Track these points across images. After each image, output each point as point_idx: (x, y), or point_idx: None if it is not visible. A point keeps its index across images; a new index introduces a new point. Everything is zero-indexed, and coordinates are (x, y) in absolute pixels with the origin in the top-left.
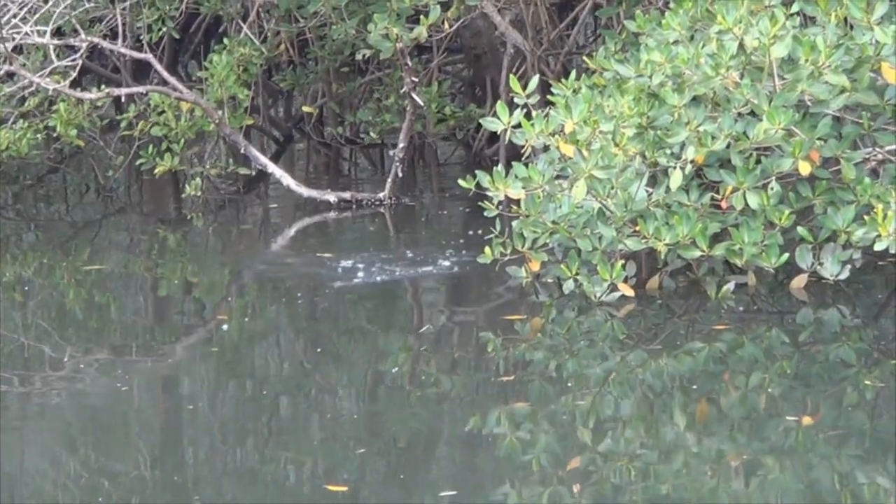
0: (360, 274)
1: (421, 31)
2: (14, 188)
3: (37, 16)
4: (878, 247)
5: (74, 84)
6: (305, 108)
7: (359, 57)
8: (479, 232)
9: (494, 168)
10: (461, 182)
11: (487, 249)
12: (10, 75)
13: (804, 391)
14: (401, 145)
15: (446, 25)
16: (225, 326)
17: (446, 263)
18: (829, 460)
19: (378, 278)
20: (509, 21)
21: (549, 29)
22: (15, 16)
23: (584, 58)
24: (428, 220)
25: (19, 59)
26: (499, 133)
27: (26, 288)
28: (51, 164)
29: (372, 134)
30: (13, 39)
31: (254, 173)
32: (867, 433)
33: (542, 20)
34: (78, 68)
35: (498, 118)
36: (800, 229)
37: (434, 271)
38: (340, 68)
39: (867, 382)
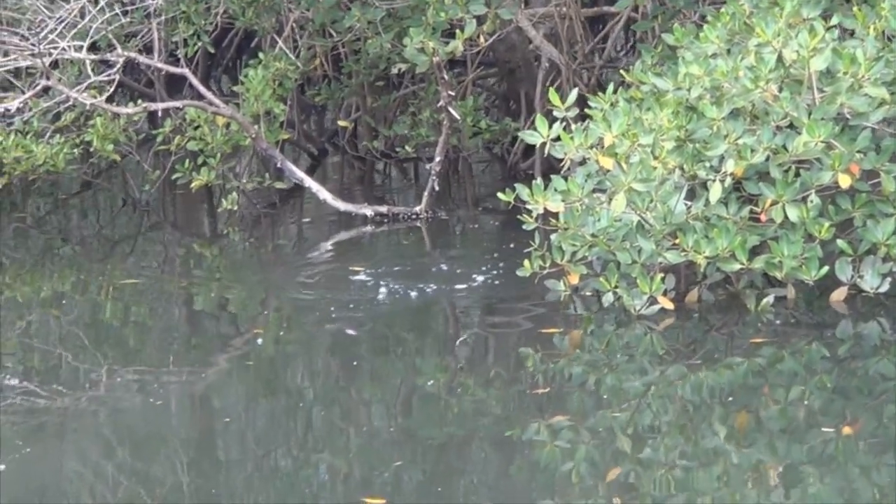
0: (398, 287)
1: (457, 45)
2: (48, 202)
3: (74, 31)
4: None
5: (108, 99)
6: (341, 122)
7: (394, 71)
8: (513, 246)
9: (533, 181)
10: (500, 195)
11: (527, 262)
12: (46, 90)
13: (844, 404)
14: (437, 159)
15: (481, 39)
16: (259, 341)
17: (483, 277)
18: (868, 472)
19: (415, 292)
20: (543, 35)
21: (584, 43)
22: (52, 31)
23: (622, 71)
24: (464, 234)
25: (56, 73)
26: (537, 146)
27: (63, 301)
28: (86, 179)
29: (407, 148)
30: (50, 55)
31: (288, 188)
32: None
33: (577, 34)
34: (114, 83)
35: (537, 131)
36: (839, 242)
37: (471, 285)
38: (375, 82)
39: None
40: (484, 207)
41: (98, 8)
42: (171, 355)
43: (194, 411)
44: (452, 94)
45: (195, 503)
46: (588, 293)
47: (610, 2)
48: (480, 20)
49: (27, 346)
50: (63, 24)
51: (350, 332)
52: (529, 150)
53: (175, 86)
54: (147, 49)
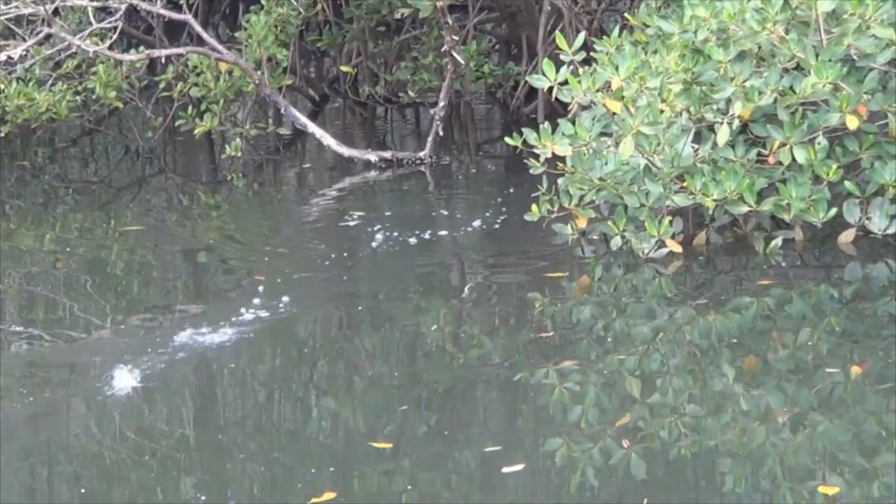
0: (404, 232)
1: None
2: (48, 150)
3: None
4: None
5: (110, 46)
6: (343, 68)
7: (396, 16)
8: (513, 191)
9: (541, 125)
10: (507, 140)
11: (534, 207)
12: (48, 37)
13: (851, 346)
14: (441, 104)
15: None
16: (261, 288)
17: (488, 222)
18: (876, 414)
19: (423, 236)
20: None
21: None
22: None
23: (626, 14)
24: (467, 179)
25: (57, 21)
26: (541, 91)
27: (67, 248)
28: (86, 127)
29: (410, 93)
30: (52, 1)
31: (290, 134)
32: None
33: None
34: (118, 30)
35: (543, 75)
36: (847, 184)
37: (477, 229)
38: (376, 27)
39: None
40: (485, 153)
41: None
42: (173, 302)
43: (197, 357)
44: (457, 38)
45: (199, 452)
46: (595, 237)
47: None
48: None
49: (31, 293)
50: None
51: (357, 277)
52: (531, 94)
53: (174, 32)
54: None
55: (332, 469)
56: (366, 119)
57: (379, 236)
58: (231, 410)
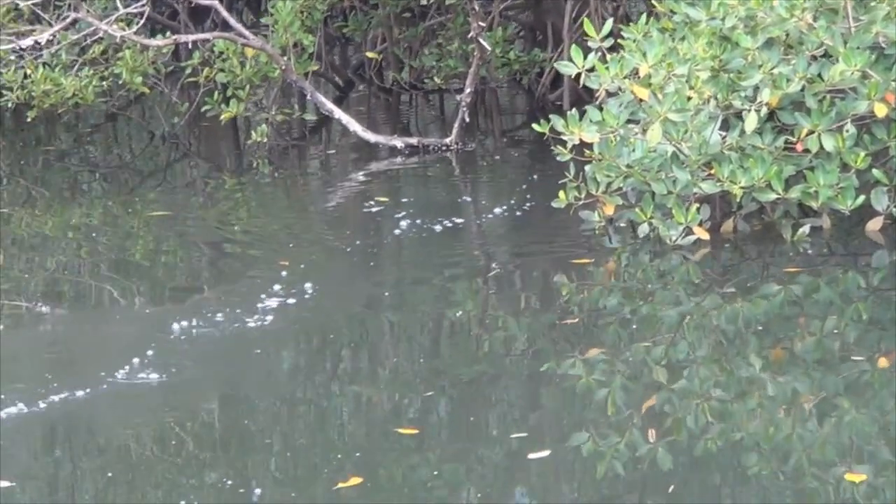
0: (429, 218)
1: None
2: (73, 135)
3: None
4: None
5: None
6: (369, 54)
7: (422, 2)
8: (537, 178)
9: (568, 112)
10: (535, 126)
11: (561, 193)
12: (74, 22)
13: (879, 334)
14: (467, 90)
15: None
16: (284, 273)
17: (514, 208)
18: (883, 411)
19: (448, 222)
20: None
21: None
22: None
23: (653, 1)
24: (492, 166)
25: (84, 5)
26: (566, 77)
27: (94, 234)
28: (113, 112)
29: (435, 79)
30: None
31: (316, 120)
32: None
33: None
34: (145, 15)
35: (571, 62)
36: (875, 171)
37: (502, 215)
38: (402, 13)
39: None
40: (511, 139)
41: None
42: (196, 287)
43: (220, 342)
44: (483, 24)
45: (227, 434)
46: (623, 224)
47: None
48: None
49: (56, 277)
50: None
51: (385, 261)
52: (557, 81)
53: (199, 17)
54: None
55: (357, 454)
56: (391, 105)
57: (404, 223)
58: (257, 396)
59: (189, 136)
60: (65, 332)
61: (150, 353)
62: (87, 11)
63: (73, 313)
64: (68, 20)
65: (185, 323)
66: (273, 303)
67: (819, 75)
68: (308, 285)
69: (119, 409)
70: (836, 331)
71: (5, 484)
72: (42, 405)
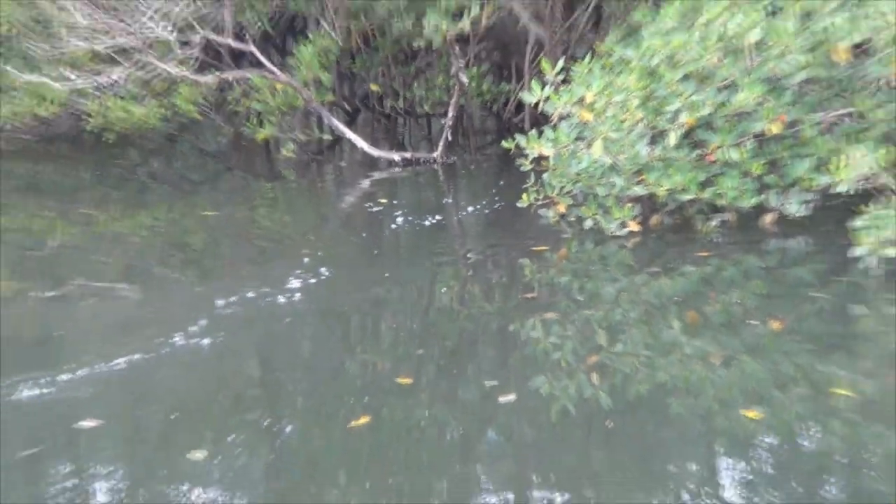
0: (418, 214)
1: (465, 25)
2: (140, 153)
3: (162, 15)
4: (839, 189)
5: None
6: (372, 87)
7: (415, 46)
8: (504, 183)
9: (528, 132)
10: (504, 143)
11: (524, 196)
12: (141, 65)
13: (771, 303)
14: (450, 115)
15: (483, 21)
16: (306, 259)
17: (487, 207)
18: (791, 355)
19: (434, 219)
20: (530, 17)
21: (561, 23)
22: (147, 17)
23: (597, 43)
24: (469, 174)
25: (150, 51)
26: (528, 104)
27: (160, 229)
28: (172, 133)
29: (425, 107)
30: (145, 36)
31: (331, 139)
32: (821, 335)
33: (556, 16)
34: (198, 59)
35: (532, 92)
36: (770, 177)
37: (477, 213)
38: (398, 55)
39: (822, 296)
40: (483, 153)
41: None
42: (238, 268)
43: (254, 312)
44: (462, 64)
45: (263, 379)
46: (572, 219)
47: None
48: (482, 5)
49: (128, 262)
50: (155, 11)
51: (386, 247)
52: (520, 107)
53: (239, 59)
54: (216, 30)
55: (365, 399)
56: (389, 127)
57: (400, 219)
58: (286, 355)
59: (231, 153)
60: (136, 305)
61: (202, 321)
62: (152, 55)
63: (143, 291)
64: (138, 62)
65: (228, 298)
66: (297, 283)
67: (726, 102)
68: (324, 269)
69: (179, 364)
70: (737, 301)
71: (94, 423)
72: (119, 361)
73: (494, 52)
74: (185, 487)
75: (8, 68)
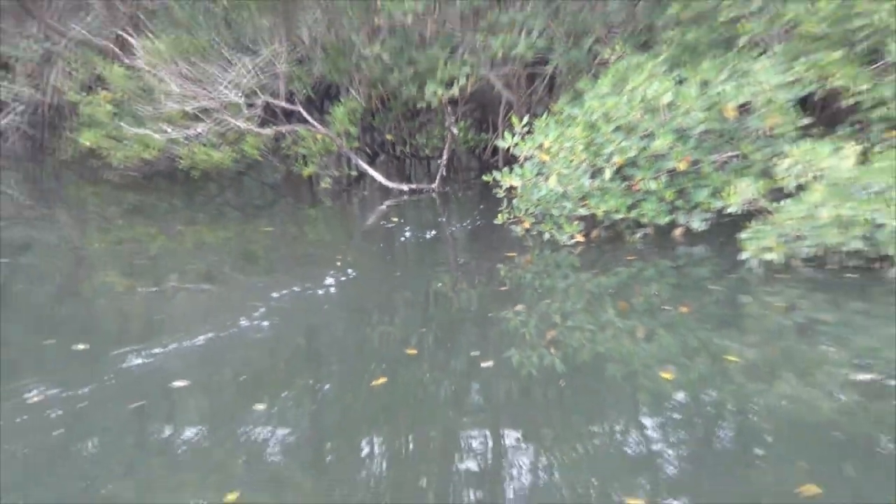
0: (421, 230)
1: (455, 90)
2: (217, 186)
3: (229, 84)
4: (730, 210)
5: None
6: (388, 136)
7: (418, 106)
8: (483, 207)
9: (502, 170)
10: (484, 177)
11: (500, 216)
12: (219, 121)
13: (681, 293)
14: (444, 157)
15: (468, 88)
16: (338, 263)
17: (471, 224)
18: (695, 332)
19: (431, 233)
20: (503, 84)
21: (525, 89)
22: (224, 86)
23: (551, 104)
24: (459, 201)
25: (225, 111)
26: (503, 149)
27: (231, 240)
28: (240, 171)
29: (426, 151)
30: (222, 100)
31: (357, 175)
32: (717, 317)
33: (521, 84)
34: (259, 117)
35: (504, 140)
36: (679, 201)
37: (464, 229)
38: (406, 113)
39: (717, 288)
40: (469, 185)
41: (249, 71)
42: (289, 269)
43: (300, 300)
44: (453, 119)
45: (307, 353)
46: (534, 233)
47: (540, 63)
48: (467, 77)
49: (207, 266)
50: (229, 82)
51: (395, 255)
52: (495, 151)
53: (289, 116)
54: (273, 95)
55: (383, 365)
56: (400, 166)
57: (408, 233)
58: (323, 334)
59: (283, 185)
60: (213, 297)
61: (261, 308)
62: (226, 114)
63: (218, 286)
64: (216, 119)
65: (281, 291)
66: (332, 280)
67: (646, 147)
68: (351, 271)
69: (244, 340)
70: (655, 293)
71: (184, 383)
72: (201, 338)
73: (476, 111)
74: (250, 429)
75: (122, 124)
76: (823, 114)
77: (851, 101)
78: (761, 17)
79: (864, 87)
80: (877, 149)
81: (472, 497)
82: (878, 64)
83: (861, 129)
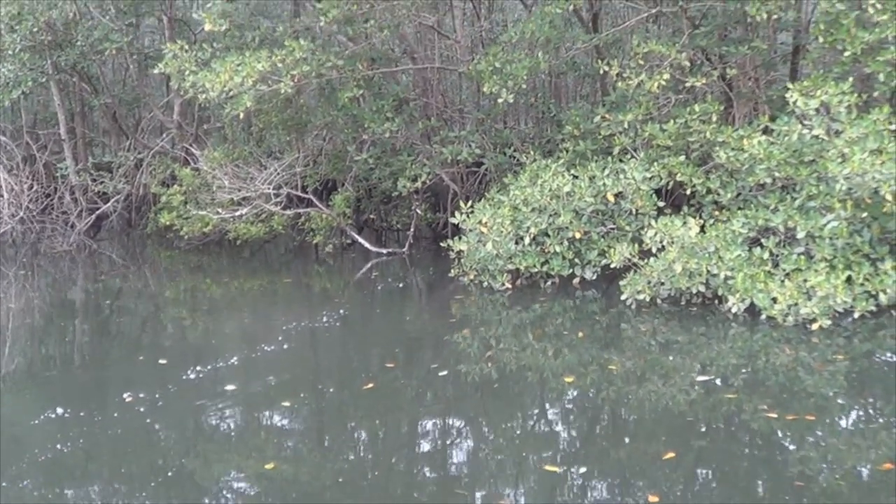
0: (396, 281)
1: (418, 184)
2: (252, 249)
3: (263, 180)
4: (612, 265)
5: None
6: (371, 216)
7: (393, 194)
8: (439, 264)
9: (453, 239)
10: (441, 244)
11: (453, 270)
12: (256, 205)
13: (579, 323)
14: (411, 230)
15: (427, 182)
16: (341, 311)
17: (432, 276)
18: (588, 350)
19: (403, 283)
20: (451, 178)
21: (467, 182)
22: (260, 182)
23: (487, 192)
24: (422, 259)
25: (260, 199)
26: (451, 224)
27: (258, 287)
28: (268, 240)
29: (398, 225)
30: (259, 191)
31: (351, 242)
32: (602, 339)
33: (464, 178)
34: (283, 202)
35: (454, 218)
36: (577, 260)
37: (426, 279)
38: (382, 199)
39: (601, 319)
40: (429, 249)
41: (276, 172)
42: (301, 308)
43: (310, 331)
44: (418, 202)
45: (317, 367)
46: (476, 282)
47: (477, 165)
48: (427, 174)
49: (239, 304)
50: (263, 180)
51: (376, 301)
52: (446, 224)
53: (303, 201)
54: (293, 187)
55: (370, 374)
56: (379, 236)
57: (386, 283)
58: (330, 353)
59: (299, 249)
60: (249, 326)
61: (280, 336)
62: (261, 201)
63: (252, 318)
64: (253, 205)
65: (292, 324)
66: (333, 315)
67: (553, 222)
68: (345, 310)
69: (271, 357)
70: (560, 323)
71: (233, 387)
72: (241, 356)
73: (432, 197)
74: (280, 419)
75: (189, 208)
76: (672, 199)
77: (689, 190)
78: (629, 133)
79: (699, 181)
80: (710, 223)
81: (430, 461)
82: (708, 165)
83: (698, 210)
